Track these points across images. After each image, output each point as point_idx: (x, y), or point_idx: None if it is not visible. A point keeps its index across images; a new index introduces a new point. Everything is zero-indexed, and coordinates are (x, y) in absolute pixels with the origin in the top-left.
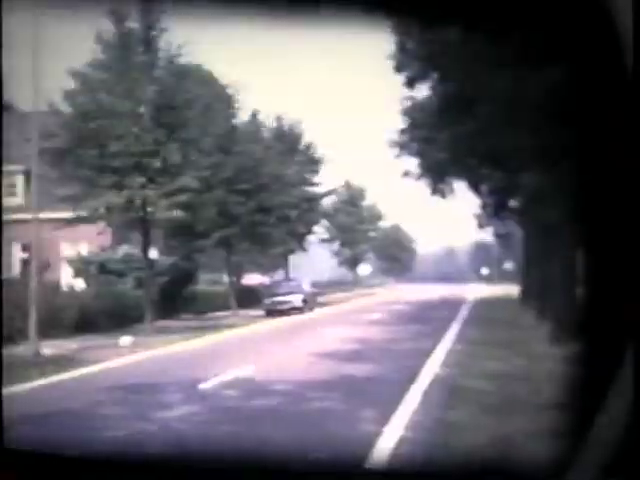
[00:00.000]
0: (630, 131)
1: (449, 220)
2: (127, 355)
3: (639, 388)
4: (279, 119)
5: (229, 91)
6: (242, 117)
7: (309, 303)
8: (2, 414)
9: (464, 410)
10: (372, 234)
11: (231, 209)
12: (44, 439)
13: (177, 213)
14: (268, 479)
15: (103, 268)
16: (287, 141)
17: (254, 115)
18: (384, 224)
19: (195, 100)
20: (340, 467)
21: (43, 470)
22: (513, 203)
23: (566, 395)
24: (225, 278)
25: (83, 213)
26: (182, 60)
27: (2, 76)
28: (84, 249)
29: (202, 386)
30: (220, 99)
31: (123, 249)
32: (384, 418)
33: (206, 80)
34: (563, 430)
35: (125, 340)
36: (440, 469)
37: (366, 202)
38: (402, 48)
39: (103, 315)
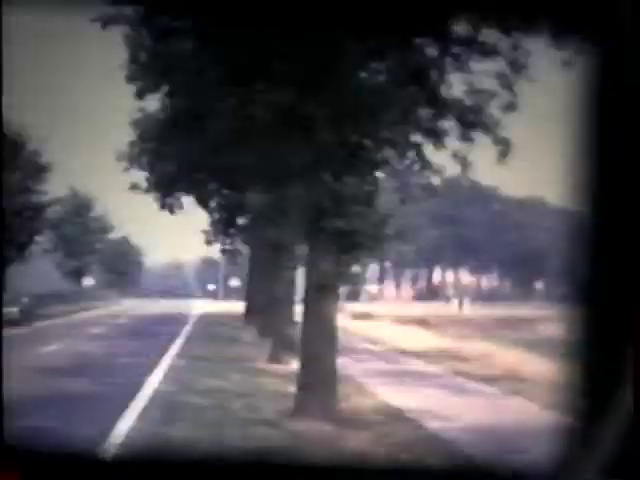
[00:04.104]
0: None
1: (177, 235)
2: None
3: (639, 389)
4: None
5: None
6: None
7: (27, 315)
8: (2, 414)
9: (181, 426)
10: (99, 246)
11: None
12: (45, 436)
13: None
14: None
15: None
16: (9, 147)
17: None
18: (112, 236)
19: None
20: None
21: (44, 468)
22: (241, 221)
23: (567, 396)
24: None
25: None
26: None
27: (2, 77)
28: None
29: None
30: None
31: None
32: (101, 436)
33: None
34: (564, 431)
35: None
36: (440, 469)
37: (94, 213)
38: (134, 59)
39: None
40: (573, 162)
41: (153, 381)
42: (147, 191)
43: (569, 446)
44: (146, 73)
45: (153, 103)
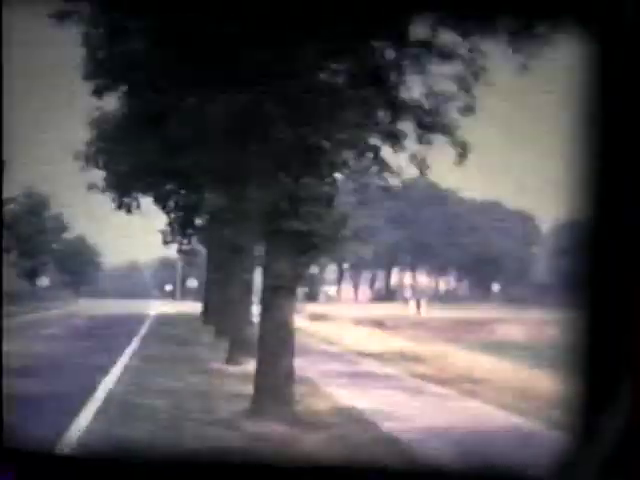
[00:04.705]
0: None
1: (135, 235)
2: None
3: (638, 389)
4: None
5: None
6: None
7: None
8: (2, 414)
9: (136, 427)
10: (54, 246)
11: None
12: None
13: None
14: None
15: None
16: None
17: None
18: (68, 236)
19: None
20: None
21: (42, 469)
22: (198, 221)
23: (568, 397)
24: None
25: None
26: None
27: (2, 77)
28: None
29: None
30: None
31: None
32: (55, 437)
33: None
34: (564, 430)
35: None
36: (439, 470)
37: (50, 212)
38: (92, 57)
39: None
40: (568, 166)
41: (108, 382)
42: (104, 191)
43: (569, 446)
44: (103, 72)
45: (111, 102)
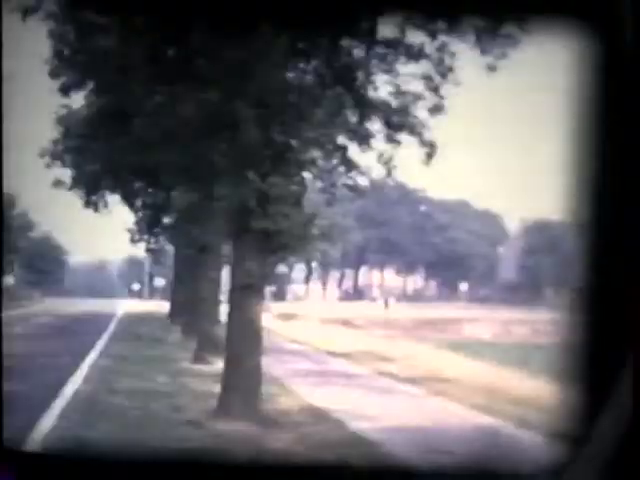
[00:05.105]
0: None
1: (102, 233)
2: None
3: (639, 389)
4: None
5: None
6: None
7: None
8: (2, 414)
9: (103, 427)
10: (20, 244)
11: None
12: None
13: None
14: None
15: None
16: None
17: None
18: (34, 234)
19: None
20: None
21: (43, 470)
22: (167, 220)
23: (568, 394)
24: None
25: None
26: None
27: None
28: None
29: None
30: None
31: None
32: (20, 437)
33: None
34: (564, 430)
35: None
36: (439, 470)
37: (15, 210)
38: (58, 54)
39: None
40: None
41: (75, 381)
42: (71, 188)
43: (569, 446)
44: (70, 69)
45: (78, 100)
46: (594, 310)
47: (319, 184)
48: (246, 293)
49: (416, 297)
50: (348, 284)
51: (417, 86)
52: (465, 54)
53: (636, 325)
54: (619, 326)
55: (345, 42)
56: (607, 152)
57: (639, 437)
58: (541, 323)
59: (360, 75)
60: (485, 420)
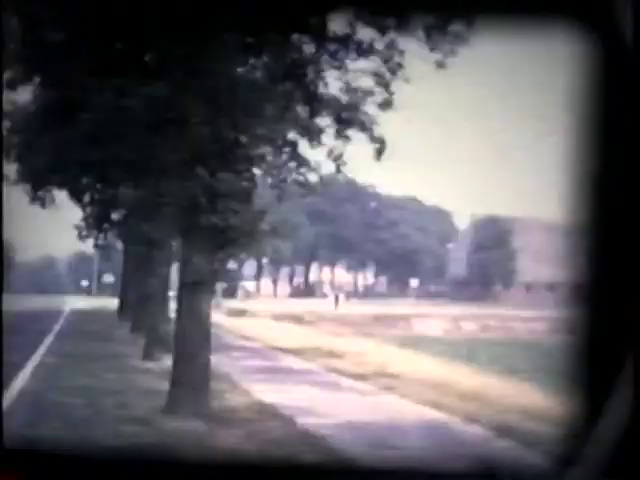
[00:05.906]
0: None
1: (50, 230)
2: None
3: (639, 388)
4: None
5: None
6: None
7: None
8: (2, 414)
9: (50, 425)
10: None
11: None
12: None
13: None
14: None
15: None
16: None
17: None
18: None
19: None
20: None
21: (43, 470)
22: (115, 216)
23: (568, 395)
24: None
25: None
26: None
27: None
28: None
29: None
30: None
31: None
32: None
33: None
34: (564, 430)
35: None
36: (439, 469)
37: None
38: (4, 48)
39: None
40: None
41: (21, 379)
42: (15, 183)
43: (569, 446)
44: (16, 63)
45: (24, 94)
46: (594, 310)
47: (269, 180)
48: (195, 289)
49: (367, 293)
50: (299, 281)
51: (367, 82)
52: (415, 51)
53: (636, 325)
54: (619, 326)
55: (295, 38)
56: (605, 151)
57: (639, 437)
58: (490, 318)
59: (310, 71)
60: (434, 415)
